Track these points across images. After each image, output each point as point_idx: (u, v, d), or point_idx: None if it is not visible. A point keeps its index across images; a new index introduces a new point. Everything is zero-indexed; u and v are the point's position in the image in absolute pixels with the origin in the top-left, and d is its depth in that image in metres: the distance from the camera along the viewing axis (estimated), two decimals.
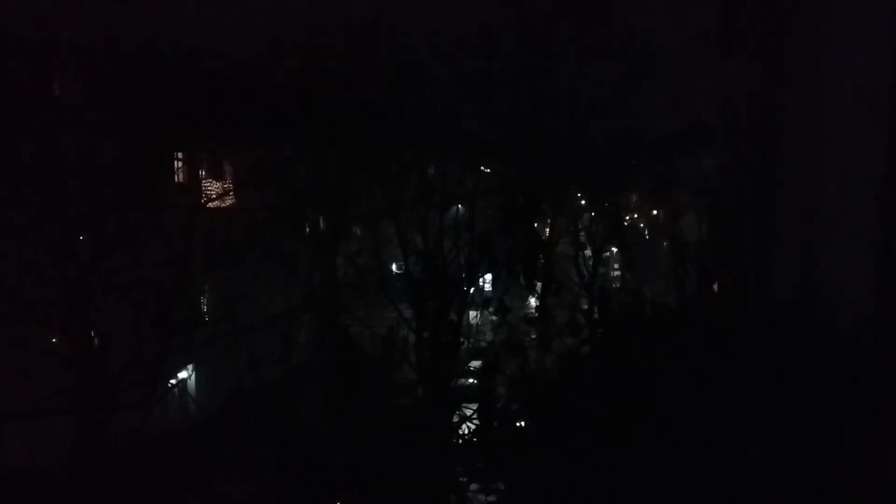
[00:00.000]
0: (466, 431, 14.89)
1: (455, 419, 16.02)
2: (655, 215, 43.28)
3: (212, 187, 26.90)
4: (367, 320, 20.27)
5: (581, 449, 9.34)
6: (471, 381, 21.09)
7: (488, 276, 30.86)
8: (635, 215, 45.78)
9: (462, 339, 21.27)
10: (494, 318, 22.54)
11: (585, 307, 25.55)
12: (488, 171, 28.00)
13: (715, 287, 18.24)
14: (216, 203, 25.99)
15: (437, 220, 23.84)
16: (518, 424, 12.17)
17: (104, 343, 18.08)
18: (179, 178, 26.04)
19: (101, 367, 17.51)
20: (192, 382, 26.98)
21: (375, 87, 24.60)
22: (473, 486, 13.21)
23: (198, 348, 21.24)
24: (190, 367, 26.55)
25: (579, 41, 27.44)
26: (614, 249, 36.81)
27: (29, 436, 18.97)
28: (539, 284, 28.02)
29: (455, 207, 25.67)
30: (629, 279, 29.38)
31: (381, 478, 11.96)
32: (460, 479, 13.30)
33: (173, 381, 24.43)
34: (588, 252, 31.81)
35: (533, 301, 33.52)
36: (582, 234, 31.66)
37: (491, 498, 12.85)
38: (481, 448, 12.26)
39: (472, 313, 32.03)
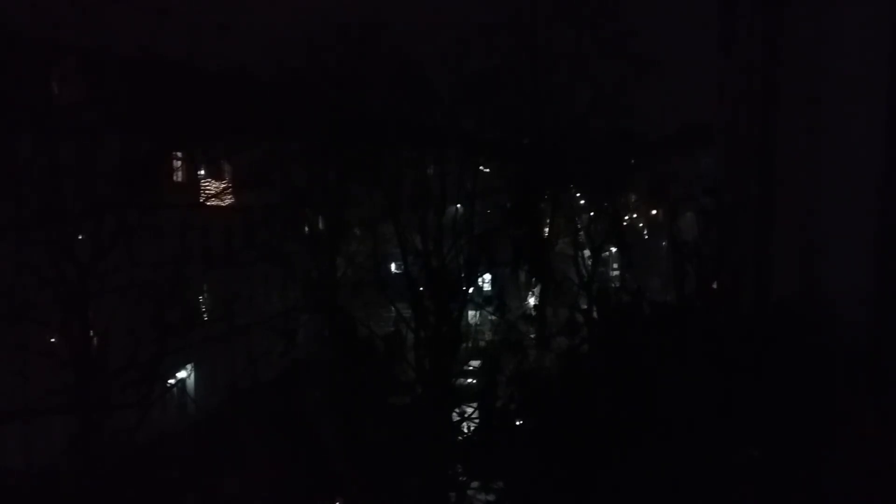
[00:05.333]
0: (466, 430, 14.89)
1: (455, 418, 16.02)
2: (654, 215, 43.29)
3: (210, 187, 26.86)
4: (366, 320, 20.23)
5: (580, 447, 9.32)
6: (470, 380, 21.13)
7: (487, 276, 30.84)
8: (634, 215, 45.78)
9: (461, 339, 21.25)
10: (494, 317, 22.58)
11: (584, 307, 25.55)
12: (487, 170, 27.97)
13: (713, 286, 18.25)
14: (214, 203, 25.94)
15: (435, 219, 23.78)
16: (517, 423, 12.16)
17: (102, 343, 18.04)
18: (177, 177, 26.00)
19: (98, 368, 17.47)
20: (191, 382, 26.94)
21: (374, 86, 24.55)
22: (473, 484, 13.21)
23: (196, 348, 21.20)
24: (189, 366, 26.51)
25: (578, 40, 27.41)
26: (613, 249, 36.80)
27: (27, 436, 18.94)
28: (538, 284, 28.01)
29: (454, 207, 25.61)
30: (628, 279, 29.34)
31: (381, 476, 11.95)
32: (460, 477, 13.30)
33: (172, 381, 24.39)
34: (587, 251, 31.77)
35: (532, 300, 33.49)
36: (581, 233, 31.61)
37: (490, 497, 12.85)
38: (481, 446, 12.25)
39: (472, 313, 31.99)
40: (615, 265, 40.38)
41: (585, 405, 9.98)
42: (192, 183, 26.59)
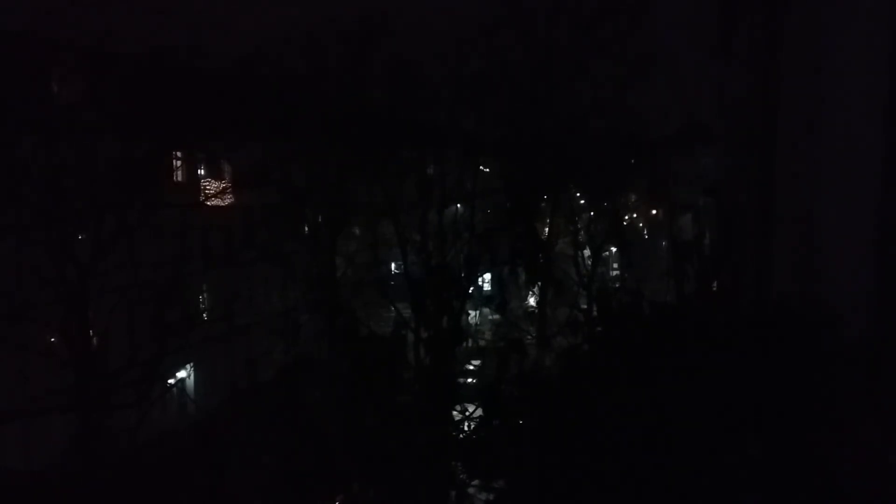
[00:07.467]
0: (467, 429, 14.90)
1: (456, 417, 16.03)
2: (654, 215, 43.25)
3: (210, 186, 26.85)
4: (366, 320, 20.22)
5: (580, 446, 9.33)
6: (470, 380, 21.10)
7: (487, 276, 30.85)
8: (634, 215, 45.73)
9: (462, 338, 21.23)
10: (494, 316, 22.56)
11: (584, 306, 25.55)
12: (487, 170, 27.98)
13: (713, 286, 18.25)
14: (214, 202, 25.93)
15: (436, 219, 23.81)
16: (518, 422, 12.17)
17: (102, 343, 18.06)
18: (177, 177, 25.98)
19: (98, 368, 17.48)
20: (191, 382, 26.94)
21: (374, 85, 24.55)
22: (474, 483, 13.23)
23: (196, 348, 21.21)
24: (189, 366, 26.51)
25: (579, 40, 27.41)
26: (613, 249, 36.78)
27: (27, 436, 18.95)
28: (538, 283, 28.02)
29: (454, 206, 25.63)
30: (628, 278, 29.33)
31: (382, 474, 11.95)
32: (460, 475, 13.32)
33: (172, 381, 24.39)
34: (587, 251, 31.77)
35: (532, 300, 33.51)
36: (581, 233, 31.61)
37: (490, 496, 12.87)
38: (481, 445, 12.26)
39: (472, 312, 31.98)
40: (615, 265, 40.36)
41: (586, 404, 9.98)
42: (192, 183, 26.56)
